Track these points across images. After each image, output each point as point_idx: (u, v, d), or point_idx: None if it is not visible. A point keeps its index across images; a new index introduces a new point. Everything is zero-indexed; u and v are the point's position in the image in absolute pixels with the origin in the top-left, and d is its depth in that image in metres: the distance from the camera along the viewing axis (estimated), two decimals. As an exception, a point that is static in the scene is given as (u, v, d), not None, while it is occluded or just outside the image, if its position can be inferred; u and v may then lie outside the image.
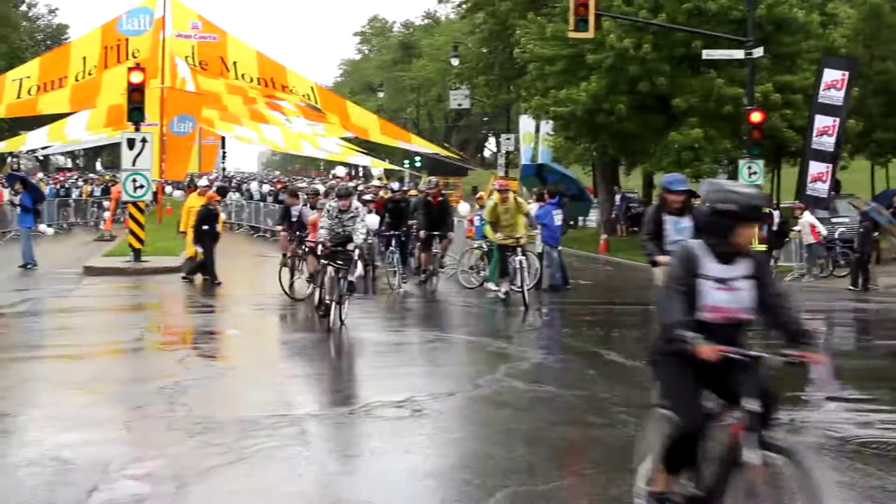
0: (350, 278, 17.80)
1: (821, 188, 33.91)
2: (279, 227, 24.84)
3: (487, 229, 22.47)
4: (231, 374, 14.24)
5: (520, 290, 21.28)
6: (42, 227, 31.33)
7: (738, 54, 33.08)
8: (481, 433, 10.69)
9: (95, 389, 13.03)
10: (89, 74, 36.50)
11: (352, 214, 18.23)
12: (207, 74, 39.63)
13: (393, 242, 25.12)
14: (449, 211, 26.02)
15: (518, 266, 21.30)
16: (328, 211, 18.41)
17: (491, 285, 24.08)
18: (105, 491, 8.48)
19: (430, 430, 10.60)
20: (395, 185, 33.63)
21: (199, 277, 25.58)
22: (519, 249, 21.61)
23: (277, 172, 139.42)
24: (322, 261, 18.11)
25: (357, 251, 18.18)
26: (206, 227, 25.50)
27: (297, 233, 23.63)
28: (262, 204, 46.89)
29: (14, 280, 26.22)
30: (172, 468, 9.10)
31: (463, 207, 28.43)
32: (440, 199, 25.35)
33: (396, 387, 12.96)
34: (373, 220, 25.03)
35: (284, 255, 24.23)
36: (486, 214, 22.25)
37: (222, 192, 53.67)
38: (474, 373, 14.03)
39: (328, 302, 17.55)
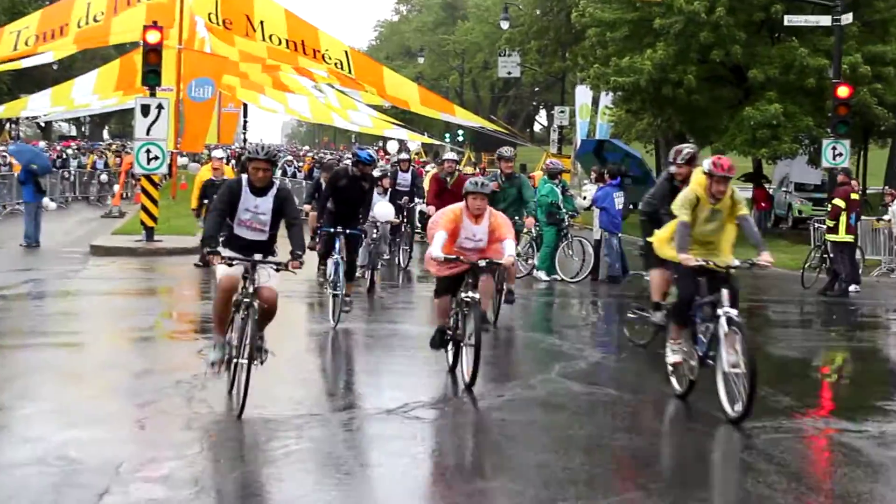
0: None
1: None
2: (307, 206, 24.66)
3: (661, 241, 12.90)
4: (255, 368, 14.23)
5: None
6: (45, 200, 31.45)
7: (825, 21, 32.77)
8: (534, 439, 10.65)
9: (104, 382, 13.11)
10: (95, 20, 36.53)
11: None
12: (231, 34, 39.54)
13: (336, 245, 17.70)
14: None
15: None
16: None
17: (541, 274, 24.04)
18: (117, 494, 8.52)
19: (478, 433, 10.60)
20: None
21: None
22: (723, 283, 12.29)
23: (306, 148, 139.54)
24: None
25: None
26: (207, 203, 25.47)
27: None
28: (287, 181, 47.05)
29: (15, 259, 26.42)
30: (191, 470, 9.14)
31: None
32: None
33: (437, 385, 12.97)
34: (385, 211, 21.69)
35: (313, 238, 24.07)
36: (679, 208, 12.38)
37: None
38: (525, 372, 14.04)
39: None
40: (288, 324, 18.52)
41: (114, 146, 69.22)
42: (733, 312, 11.66)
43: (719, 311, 11.76)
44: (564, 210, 24.00)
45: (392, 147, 46.34)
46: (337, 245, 17.40)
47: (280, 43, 37.85)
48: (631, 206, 27.17)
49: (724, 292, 11.81)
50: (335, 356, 15.58)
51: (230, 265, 11.43)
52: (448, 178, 21.96)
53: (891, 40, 37.30)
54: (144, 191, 30.08)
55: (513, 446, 10.32)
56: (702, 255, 12.21)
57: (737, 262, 12.24)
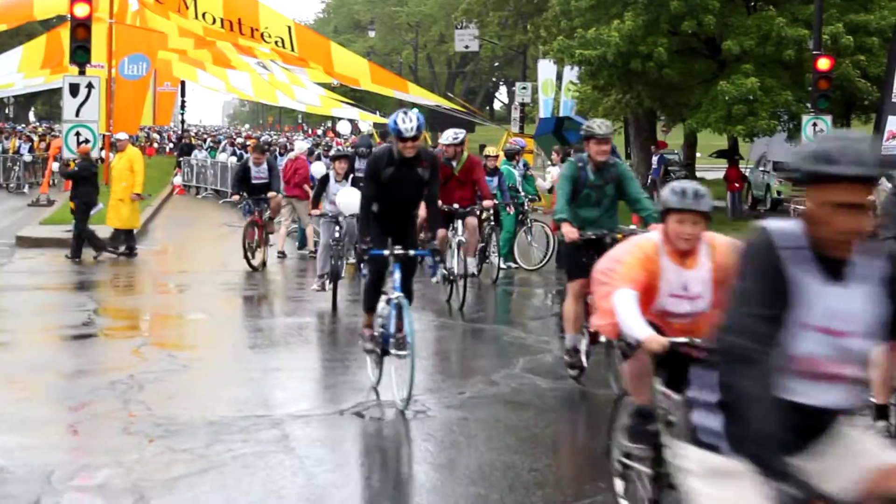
0: None
1: (900, 147, 33.59)
2: (235, 197, 24.29)
3: None
4: (197, 367, 14.21)
5: None
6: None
7: (803, -13, 32.95)
8: (498, 439, 10.66)
9: (33, 383, 13.04)
10: None
11: None
12: (161, 9, 39.41)
13: (393, 274, 12.22)
14: None
15: None
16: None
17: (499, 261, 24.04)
18: (49, 505, 8.48)
19: (437, 434, 10.58)
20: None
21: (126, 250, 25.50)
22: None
23: (246, 126, 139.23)
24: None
25: None
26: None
27: (258, 205, 23.23)
28: (229, 163, 46.94)
29: (-67, 253, 26.24)
30: (129, 478, 9.09)
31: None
32: None
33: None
34: (349, 199, 17.71)
35: (246, 246, 22.99)
36: None
37: (188, 149, 53.59)
38: (487, 367, 14.00)
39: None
40: (229, 318, 18.52)
41: (40, 129, 68.71)
42: None
43: None
44: (524, 193, 23.98)
45: (343, 128, 45.99)
46: (395, 276, 12.10)
47: (214, 22, 37.67)
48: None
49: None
50: (283, 353, 15.51)
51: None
52: (454, 163, 19.18)
53: (874, 8, 37.43)
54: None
55: (475, 447, 10.31)
56: None
57: None
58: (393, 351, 11.78)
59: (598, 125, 12.73)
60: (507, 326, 17.80)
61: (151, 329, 17.36)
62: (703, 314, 7.79)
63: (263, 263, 23.19)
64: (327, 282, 18.51)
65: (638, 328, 7.23)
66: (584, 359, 12.66)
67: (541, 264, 23.80)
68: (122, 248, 25.45)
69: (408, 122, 11.70)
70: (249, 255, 22.78)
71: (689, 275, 7.79)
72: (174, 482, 9.03)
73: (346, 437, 10.59)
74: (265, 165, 23.75)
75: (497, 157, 22.97)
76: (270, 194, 23.20)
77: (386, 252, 11.96)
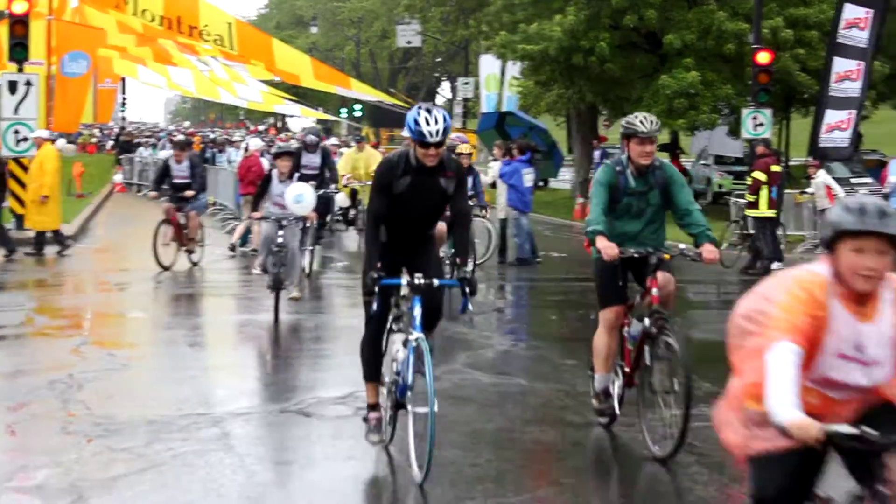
0: None
1: (840, 137, 33.68)
2: (153, 194, 24.02)
3: None
4: (137, 366, 14.13)
5: None
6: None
7: (743, -19, 33.13)
8: (439, 435, 10.62)
9: (-29, 384, 12.93)
10: None
11: None
12: (100, 5, 39.12)
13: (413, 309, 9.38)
14: None
15: None
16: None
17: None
18: (-15, 506, 8.42)
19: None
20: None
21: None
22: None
23: (187, 123, 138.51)
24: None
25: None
26: None
27: (178, 203, 22.89)
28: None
29: None
30: (67, 478, 9.02)
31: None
32: None
33: (336, 379, 12.92)
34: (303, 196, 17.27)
35: (156, 245, 22.49)
36: None
37: (127, 147, 53.29)
38: (429, 363, 13.98)
39: None
40: (169, 316, 18.42)
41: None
42: None
43: None
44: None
45: (295, 125, 45.74)
46: (416, 312, 9.33)
47: (153, 20, 37.43)
48: (541, 183, 27.10)
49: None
50: (224, 351, 15.46)
51: None
52: None
53: (813, 2, 37.69)
54: (13, 174, 29.64)
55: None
56: None
57: None
58: (410, 406, 9.43)
59: (642, 121, 10.31)
60: (449, 322, 17.78)
61: (91, 328, 17.24)
62: (876, 387, 5.66)
63: (195, 264, 23.05)
64: (269, 278, 17.05)
65: (784, 406, 5.23)
66: (616, 405, 10.62)
67: (482, 260, 23.81)
68: (58, 249, 25.31)
69: (433, 123, 9.02)
70: (160, 253, 22.40)
71: (865, 329, 5.51)
72: (113, 482, 8.97)
73: (287, 435, 10.55)
74: (186, 163, 23.18)
75: (470, 154, 21.91)
76: (188, 193, 22.83)
77: (403, 281, 9.35)
